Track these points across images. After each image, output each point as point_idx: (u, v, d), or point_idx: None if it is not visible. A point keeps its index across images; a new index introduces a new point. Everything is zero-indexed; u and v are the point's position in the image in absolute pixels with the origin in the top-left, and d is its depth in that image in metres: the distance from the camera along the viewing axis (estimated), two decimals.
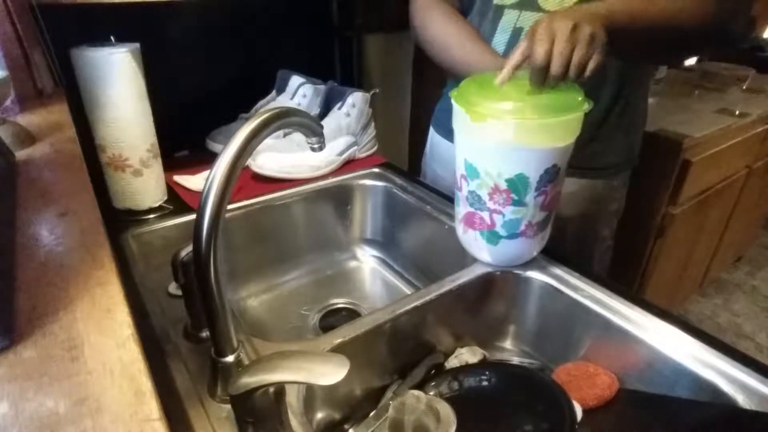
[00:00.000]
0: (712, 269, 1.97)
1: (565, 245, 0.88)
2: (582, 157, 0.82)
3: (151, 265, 0.68)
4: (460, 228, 0.70)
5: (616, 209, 0.92)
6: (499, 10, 0.79)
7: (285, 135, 0.99)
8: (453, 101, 0.61)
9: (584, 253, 0.91)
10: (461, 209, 0.67)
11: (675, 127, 1.38)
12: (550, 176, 0.60)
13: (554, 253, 0.72)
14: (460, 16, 0.85)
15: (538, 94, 0.57)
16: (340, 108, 0.99)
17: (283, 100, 1.03)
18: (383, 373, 0.65)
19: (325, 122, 0.98)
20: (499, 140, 0.57)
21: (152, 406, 0.30)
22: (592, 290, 0.64)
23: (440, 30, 0.85)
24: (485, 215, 0.63)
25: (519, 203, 0.61)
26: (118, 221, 0.76)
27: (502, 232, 0.64)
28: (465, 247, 0.71)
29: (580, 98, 0.58)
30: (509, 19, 0.78)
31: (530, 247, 0.67)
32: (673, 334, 0.57)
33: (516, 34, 0.78)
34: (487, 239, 0.66)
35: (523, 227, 0.63)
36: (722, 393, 0.51)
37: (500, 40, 0.80)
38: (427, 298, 0.64)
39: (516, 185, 0.59)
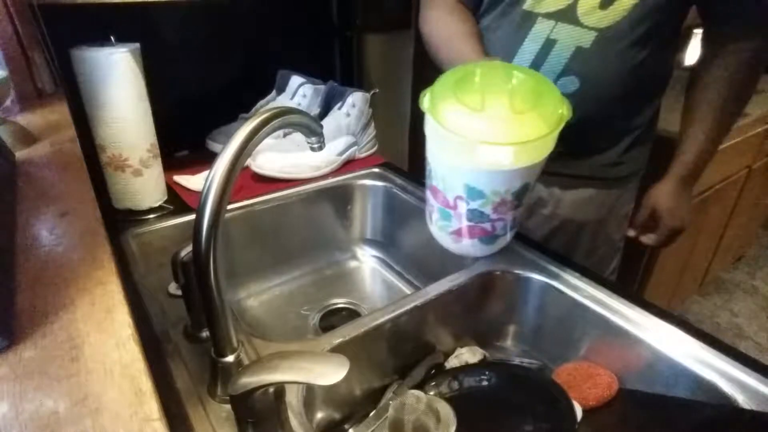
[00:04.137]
0: (712, 269, 1.97)
1: (579, 249, 0.90)
2: (600, 170, 0.84)
3: (151, 265, 0.68)
4: (449, 239, 0.69)
5: (627, 213, 0.93)
6: (530, 17, 0.76)
7: (285, 135, 0.99)
8: (442, 128, 0.58)
9: (597, 255, 0.92)
10: (455, 224, 0.67)
11: (675, 127, 1.37)
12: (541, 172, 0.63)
13: (554, 253, 0.72)
14: (461, 15, 0.83)
15: (524, 111, 0.57)
16: (340, 108, 0.99)
17: (283, 100, 1.03)
18: (383, 373, 0.65)
19: (325, 122, 0.98)
20: (506, 164, 0.58)
21: (152, 406, 0.30)
22: (592, 290, 0.64)
23: (433, 28, 0.84)
24: (487, 225, 0.65)
25: (519, 205, 0.64)
26: (118, 221, 0.76)
27: (501, 232, 0.66)
28: (455, 251, 0.71)
29: (562, 110, 0.59)
30: (542, 29, 0.75)
31: (512, 234, 0.71)
32: (673, 334, 0.57)
33: (548, 46, 0.75)
34: (485, 242, 0.67)
35: (518, 221, 0.67)
36: (722, 393, 0.51)
37: (530, 49, 0.77)
38: (427, 298, 0.64)
39: (520, 194, 0.61)
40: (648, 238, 0.86)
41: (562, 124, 0.57)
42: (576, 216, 0.88)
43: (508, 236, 0.69)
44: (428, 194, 0.68)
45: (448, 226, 0.67)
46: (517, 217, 0.66)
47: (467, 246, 0.68)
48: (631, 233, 0.89)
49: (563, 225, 0.89)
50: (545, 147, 0.59)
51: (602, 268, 0.94)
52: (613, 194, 0.88)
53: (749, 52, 0.75)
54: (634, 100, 0.81)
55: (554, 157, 0.85)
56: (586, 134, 0.81)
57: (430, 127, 0.61)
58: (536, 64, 0.76)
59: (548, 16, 0.75)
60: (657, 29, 0.73)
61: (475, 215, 0.63)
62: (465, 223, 0.65)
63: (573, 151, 0.83)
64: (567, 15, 0.73)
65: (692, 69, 0.83)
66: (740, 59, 0.76)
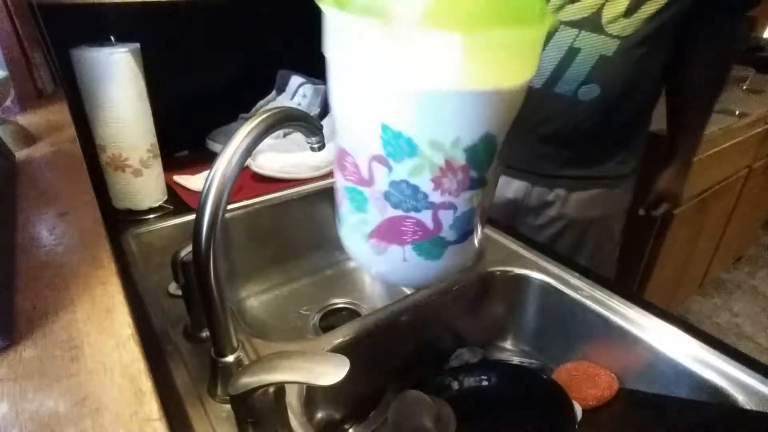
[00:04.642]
0: (712, 269, 1.97)
1: (586, 247, 0.92)
2: (607, 170, 0.87)
3: (151, 265, 0.68)
4: (368, 249, 0.42)
5: (626, 207, 0.96)
6: None
7: (285, 135, 0.99)
8: (341, 14, 0.34)
9: (602, 251, 0.95)
10: (372, 216, 0.40)
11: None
12: (511, 126, 0.39)
13: (554, 253, 0.72)
14: None
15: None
16: None
17: (283, 100, 1.03)
18: (383, 373, 0.65)
19: (325, 122, 0.98)
20: (451, 80, 0.33)
21: (152, 406, 0.30)
22: (592, 290, 0.64)
23: None
24: (424, 216, 0.39)
25: (478, 182, 0.38)
26: (118, 221, 0.76)
27: (450, 235, 0.40)
28: (379, 274, 0.46)
29: (542, 9, 0.37)
30: (565, 37, 0.75)
31: (476, 243, 0.45)
32: (673, 334, 0.57)
33: (571, 54, 0.75)
34: (426, 252, 0.41)
35: (478, 216, 0.42)
36: (722, 393, 0.51)
37: (551, 57, 0.77)
38: (427, 298, 0.64)
39: (478, 154, 0.36)
40: (656, 212, 1.01)
41: (545, 29, 0.35)
42: (583, 215, 0.89)
43: (470, 243, 0.42)
44: (335, 170, 0.43)
45: (365, 223, 0.40)
46: (478, 209, 0.40)
47: (395, 260, 0.41)
48: (642, 212, 1.01)
49: (570, 224, 0.90)
50: (518, 61, 0.35)
51: (607, 263, 0.97)
52: (616, 192, 0.90)
53: (731, 35, 0.81)
54: (643, 103, 0.83)
55: (565, 163, 0.87)
56: (602, 139, 0.83)
57: (329, 33, 0.36)
58: (558, 73, 0.77)
59: (571, 24, 0.75)
60: (669, 34, 0.74)
61: (403, 194, 0.37)
62: (389, 213, 0.39)
63: (587, 155, 0.85)
64: (591, 23, 0.73)
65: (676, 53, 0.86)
66: (723, 43, 0.81)
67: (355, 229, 0.42)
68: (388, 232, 0.40)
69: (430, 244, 0.40)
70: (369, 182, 0.38)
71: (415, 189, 0.37)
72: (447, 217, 0.39)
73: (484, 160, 0.38)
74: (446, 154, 0.36)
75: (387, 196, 0.38)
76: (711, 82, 0.85)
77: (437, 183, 0.37)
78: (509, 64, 0.35)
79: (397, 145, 0.36)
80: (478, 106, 0.34)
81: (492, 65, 0.34)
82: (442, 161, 0.36)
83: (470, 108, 0.34)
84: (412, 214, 0.39)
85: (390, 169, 0.37)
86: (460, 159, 0.36)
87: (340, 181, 0.42)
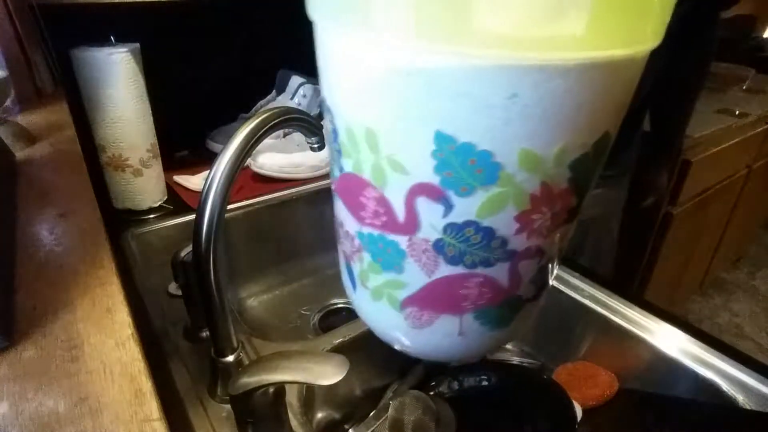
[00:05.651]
0: (712, 269, 1.97)
1: (587, 245, 0.94)
2: (609, 169, 0.88)
3: (151, 265, 0.68)
4: (398, 318, 0.29)
5: (622, 203, 0.99)
6: None
7: (285, 135, 0.99)
8: None
9: (602, 248, 0.97)
10: (411, 277, 0.27)
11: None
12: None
13: None
14: None
15: None
16: None
17: (283, 100, 1.03)
18: (383, 373, 0.65)
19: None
20: (579, 30, 0.19)
21: (152, 406, 0.30)
22: (592, 290, 0.64)
23: None
24: (498, 272, 0.26)
25: (576, 211, 0.28)
26: (118, 221, 0.76)
27: (528, 291, 0.29)
28: (407, 350, 0.32)
29: None
30: None
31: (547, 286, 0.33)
32: (673, 334, 0.57)
33: None
34: (492, 321, 0.28)
35: (559, 257, 0.31)
36: (722, 393, 0.51)
37: None
38: None
39: (588, 169, 0.25)
40: (644, 204, 1.03)
41: None
42: (583, 214, 0.90)
43: (545, 294, 0.32)
44: (339, 206, 0.29)
45: (398, 286, 0.27)
46: (564, 248, 0.30)
47: (446, 335, 0.29)
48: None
49: None
50: (658, 8, 0.23)
51: (607, 258, 0.99)
52: (615, 190, 0.93)
53: (709, 33, 0.86)
54: (642, 102, 0.86)
55: None
56: (616, 140, 0.84)
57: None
58: None
59: None
60: (669, 34, 0.76)
61: (468, 243, 0.24)
62: (441, 272, 0.26)
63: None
64: None
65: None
66: (702, 41, 0.86)
67: (380, 294, 0.28)
68: (437, 298, 0.27)
69: (502, 307, 0.27)
70: (408, 228, 0.24)
71: (489, 234, 0.24)
72: (529, 269, 0.26)
73: (592, 176, 0.25)
74: (545, 173, 0.22)
75: (440, 247, 0.24)
76: (691, 78, 0.89)
77: (525, 222, 0.24)
78: (648, 13, 0.22)
79: (465, 166, 0.21)
80: (603, 86, 0.21)
81: (630, 14, 0.20)
82: (537, 186, 0.22)
83: (591, 91, 0.20)
84: (480, 270, 0.25)
85: (448, 206, 0.23)
86: (562, 179, 0.23)
87: (350, 225, 0.27)
